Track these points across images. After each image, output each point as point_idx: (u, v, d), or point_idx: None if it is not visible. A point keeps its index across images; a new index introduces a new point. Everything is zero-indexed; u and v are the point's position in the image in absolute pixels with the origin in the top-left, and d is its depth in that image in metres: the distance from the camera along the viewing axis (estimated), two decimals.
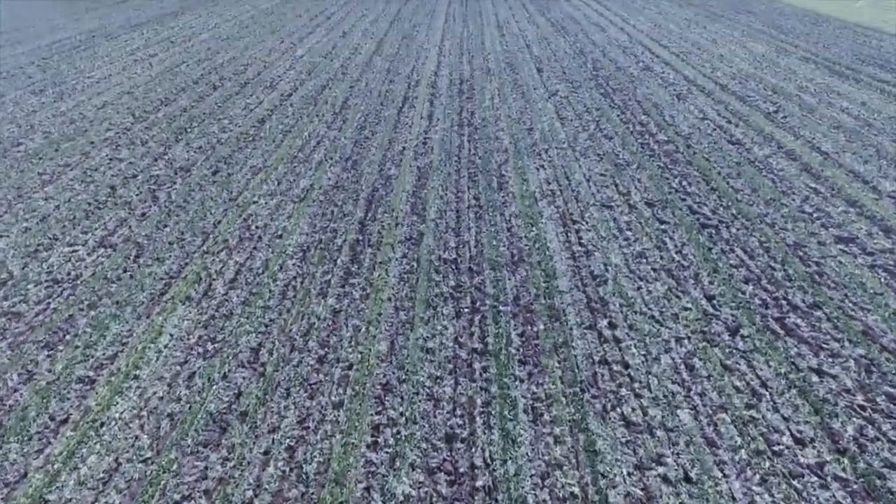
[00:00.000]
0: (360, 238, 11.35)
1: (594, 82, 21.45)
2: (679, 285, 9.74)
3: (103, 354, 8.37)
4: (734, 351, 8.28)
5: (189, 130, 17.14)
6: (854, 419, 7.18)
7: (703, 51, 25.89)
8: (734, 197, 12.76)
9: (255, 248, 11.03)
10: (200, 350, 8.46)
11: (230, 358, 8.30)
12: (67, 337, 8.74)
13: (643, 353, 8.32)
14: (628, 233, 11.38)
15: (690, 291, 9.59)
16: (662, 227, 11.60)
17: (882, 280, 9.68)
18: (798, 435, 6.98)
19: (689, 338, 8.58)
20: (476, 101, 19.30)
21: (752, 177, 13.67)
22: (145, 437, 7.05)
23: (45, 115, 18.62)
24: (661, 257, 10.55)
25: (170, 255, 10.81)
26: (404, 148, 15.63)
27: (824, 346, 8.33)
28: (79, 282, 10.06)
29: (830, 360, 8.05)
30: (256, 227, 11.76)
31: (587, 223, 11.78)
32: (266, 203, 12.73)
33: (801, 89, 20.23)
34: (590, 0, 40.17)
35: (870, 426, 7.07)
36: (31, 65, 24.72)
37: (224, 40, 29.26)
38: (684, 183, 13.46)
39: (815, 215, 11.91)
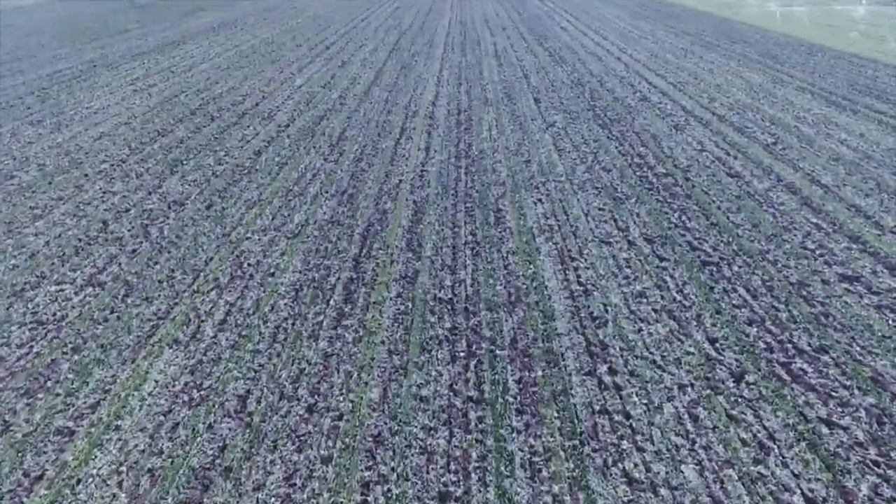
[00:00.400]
0: (354, 276, 11.11)
1: (592, 113, 21.48)
2: (681, 327, 9.46)
3: (84, 403, 8.06)
4: (739, 399, 7.97)
5: (184, 162, 17.04)
6: (868, 476, 6.84)
7: (700, 80, 26.03)
8: (735, 232, 12.56)
9: (246, 286, 10.78)
10: (186, 398, 8.15)
11: (216, 407, 7.98)
12: (49, 383, 8.43)
13: (645, 401, 8.01)
14: (627, 271, 11.15)
15: (693, 334, 9.31)
16: (662, 264, 11.37)
17: (890, 322, 9.41)
18: (809, 494, 6.64)
19: (692, 385, 8.28)
20: (474, 133, 19.27)
21: (753, 211, 13.50)
22: (123, 495, 6.70)
23: (41, 146, 18.56)
24: (662, 297, 10.29)
25: (159, 295, 10.56)
26: (401, 181, 15.50)
27: (833, 394, 8.02)
28: (64, 323, 9.78)
29: (840, 409, 7.74)
30: (249, 265, 11.53)
31: (586, 260, 11.55)
32: (259, 239, 12.52)
33: (799, 120, 20.24)
34: (587, 30, 40.68)
35: (885, 484, 6.73)
36: (30, 95, 24.82)
37: (224, 70, 29.48)
38: (684, 218, 13.28)
39: (817, 252, 11.70)
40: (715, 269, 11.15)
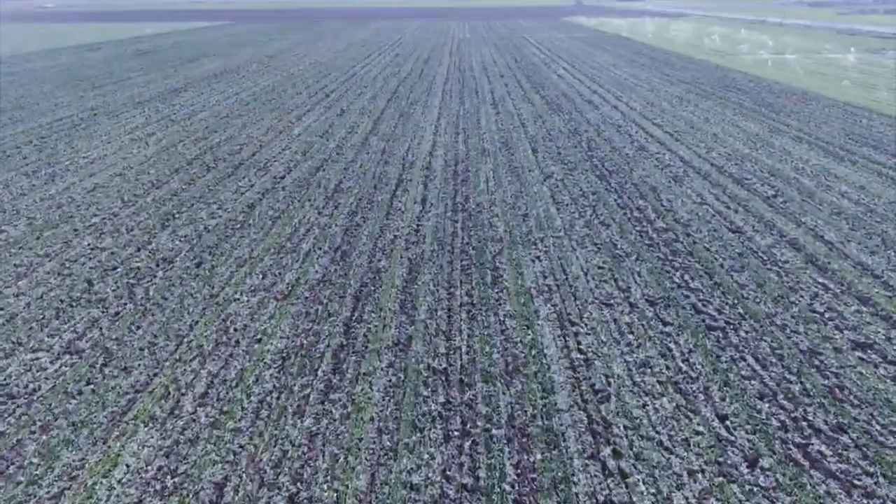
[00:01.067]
0: (345, 342, 10.63)
1: (589, 163, 21.42)
2: (688, 402, 8.94)
3: (48, 493, 7.46)
4: (755, 489, 7.38)
5: (177, 216, 16.78)
6: None
7: (697, 130, 26.15)
8: (740, 293, 12.16)
9: (231, 354, 10.29)
10: (158, 486, 7.56)
11: (190, 497, 7.39)
12: (11, 469, 7.84)
13: (653, 490, 7.43)
14: (630, 336, 10.68)
15: (701, 410, 8.78)
16: (666, 329, 10.91)
17: None
18: None
19: (702, 470, 7.70)
20: (471, 184, 19.12)
21: (757, 270, 13.13)
22: None
23: (33, 198, 18.35)
24: (667, 367, 9.80)
25: (139, 364, 10.05)
26: (396, 237, 15.19)
27: (856, 482, 7.44)
28: (35, 397, 9.25)
29: (865, 502, 7.16)
30: (235, 330, 11.06)
31: (586, 325, 11.10)
32: (248, 301, 12.09)
33: (798, 171, 20.14)
34: (584, 78, 41.36)
35: None
36: (28, 144, 24.84)
37: (223, 118, 29.68)
38: (686, 277, 12.90)
39: (827, 316, 11.26)
40: (721, 334, 10.68)
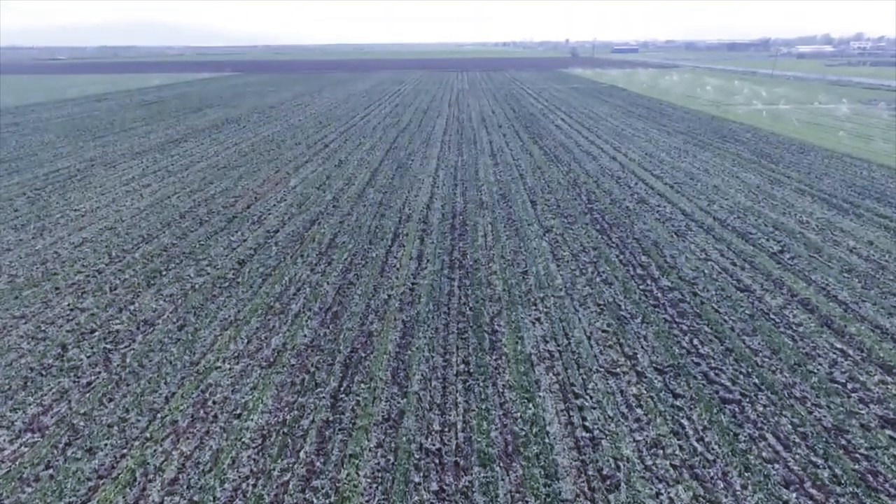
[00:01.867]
0: (332, 418, 9.83)
1: (589, 216, 21.01)
2: (706, 492, 8.09)
3: None
4: None
5: (164, 273, 16.20)
6: None
7: (697, 181, 25.92)
8: (753, 361, 11.42)
9: (207, 432, 9.48)
10: None
11: None
12: None
13: None
14: (639, 411, 9.89)
15: (721, 501, 7.93)
16: (678, 402, 10.13)
17: None
18: None
19: None
20: (468, 239, 18.63)
21: (770, 334, 12.43)
22: None
23: (18, 253, 17.81)
24: (681, 448, 8.97)
25: (106, 444, 9.23)
26: (390, 296, 14.55)
27: None
28: None
29: None
30: (214, 403, 10.28)
31: (591, 397, 10.32)
32: (230, 369, 11.34)
33: (803, 225, 19.70)
34: (581, 128, 41.68)
35: None
36: (21, 196, 24.54)
37: (220, 169, 29.55)
38: (696, 342, 12.18)
39: (849, 386, 10.50)
40: (737, 408, 9.89)
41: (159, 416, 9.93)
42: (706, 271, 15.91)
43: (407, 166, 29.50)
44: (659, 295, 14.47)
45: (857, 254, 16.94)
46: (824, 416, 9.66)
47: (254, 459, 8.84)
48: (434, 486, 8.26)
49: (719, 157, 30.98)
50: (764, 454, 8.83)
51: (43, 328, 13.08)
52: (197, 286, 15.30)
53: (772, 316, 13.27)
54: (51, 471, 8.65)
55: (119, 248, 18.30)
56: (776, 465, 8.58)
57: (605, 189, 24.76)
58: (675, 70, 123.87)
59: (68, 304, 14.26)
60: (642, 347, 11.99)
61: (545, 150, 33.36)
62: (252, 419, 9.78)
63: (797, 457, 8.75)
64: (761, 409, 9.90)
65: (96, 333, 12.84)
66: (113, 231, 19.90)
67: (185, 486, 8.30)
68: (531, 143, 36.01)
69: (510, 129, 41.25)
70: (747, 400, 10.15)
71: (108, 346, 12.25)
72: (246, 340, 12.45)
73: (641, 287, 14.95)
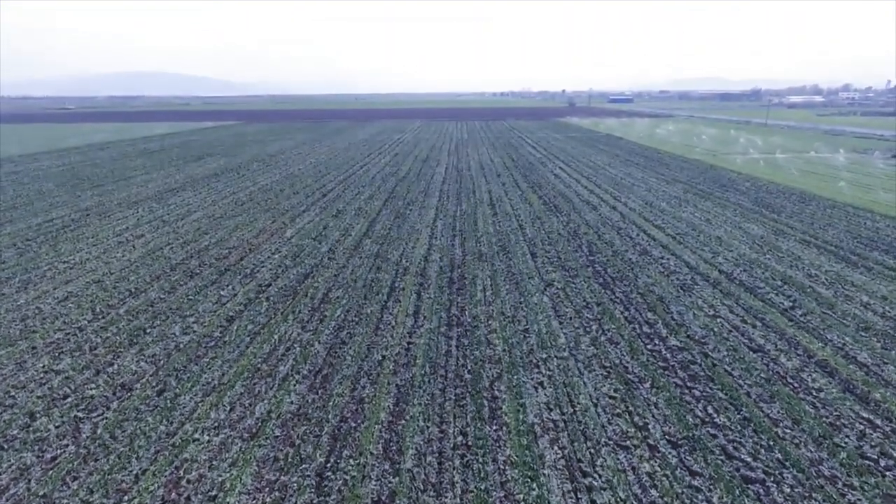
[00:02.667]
0: (316, 500, 8.93)
1: (591, 269, 20.43)
2: None
3: None
4: None
5: (148, 331, 15.46)
6: None
7: (700, 232, 25.48)
8: (774, 432, 10.57)
9: None
10: None
11: None
12: None
13: None
14: (654, 493, 8.99)
15: None
16: (695, 481, 9.24)
17: None
18: None
19: None
20: (467, 294, 17.98)
21: (790, 401, 11.62)
22: None
23: None
24: None
25: None
26: (384, 357, 13.78)
27: None
28: None
29: None
30: (188, 482, 9.38)
31: (600, 476, 9.43)
32: (209, 441, 10.48)
33: (812, 279, 19.10)
34: (580, 177, 41.71)
35: None
36: (11, 247, 24.02)
37: (216, 219, 29.18)
38: (710, 409, 11.36)
39: (882, 464, 9.63)
40: (762, 489, 8.99)
41: (125, 498, 9.02)
42: (716, 329, 15.19)
43: (405, 216, 29.17)
44: (668, 356, 13.71)
45: (872, 310, 16.26)
46: (859, 501, 8.77)
47: None
48: None
49: (720, 206, 30.70)
50: None
51: (12, 393, 12.26)
52: (181, 346, 14.54)
53: (789, 380, 12.48)
54: None
55: (104, 303, 17.62)
56: None
57: (606, 240, 24.30)
58: (670, 119, 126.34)
59: (43, 366, 13.47)
60: (653, 416, 11.16)
61: (544, 200, 33.14)
62: (229, 502, 8.87)
63: None
64: (788, 490, 9.02)
65: (69, 399, 12.01)
66: (100, 285, 19.27)
67: None
68: (530, 192, 35.88)
69: (509, 179, 41.27)
70: (772, 479, 9.27)
71: (80, 415, 11.41)
72: (228, 408, 11.62)
73: (649, 347, 14.20)
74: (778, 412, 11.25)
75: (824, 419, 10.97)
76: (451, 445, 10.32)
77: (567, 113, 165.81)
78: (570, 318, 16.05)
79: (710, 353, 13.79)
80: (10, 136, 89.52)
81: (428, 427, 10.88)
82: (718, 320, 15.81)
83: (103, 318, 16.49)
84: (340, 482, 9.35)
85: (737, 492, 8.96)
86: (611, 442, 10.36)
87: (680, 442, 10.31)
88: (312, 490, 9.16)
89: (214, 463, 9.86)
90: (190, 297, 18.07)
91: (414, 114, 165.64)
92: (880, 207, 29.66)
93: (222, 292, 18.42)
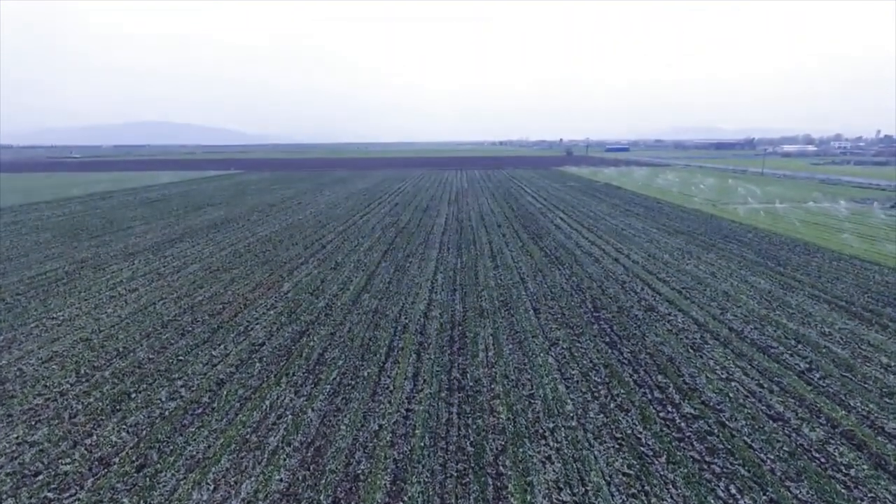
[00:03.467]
0: None
1: (597, 326, 19.77)
2: None
3: None
4: None
5: (132, 396, 14.68)
6: None
7: (706, 286, 24.93)
8: None
9: None
10: None
11: None
12: None
13: None
14: None
15: None
16: None
17: None
18: None
19: None
20: (468, 353, 17.27)
21: (818, 479, 10.77)
22: None
23: None
24: None
25: None
26: (381, 427, 12.96)
27: None
28: None
29: None
30: None
31: None
32: None
33: (826, 337, 18.43)
34: (581, 228, 41.53)
35: None
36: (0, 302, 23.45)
37: (212, 272, 28.67)
38: (733, 489, 10.50)
39: None
40: None
41: None
42: (731, 395, 14.41)
43: (405, 269, 28.69)
44: (683, 425, 12.90)
45: (894, 373, 15.53)
46: None
47: None
48: None
49: (724, 259, 30.28)
50: None
51: None
52: (167, 413, 13.73)
53: (815, 454, 11.65)
54: None
55: (90, 364, 16.87)
56: None
57: (610, 295, 23.72)
58: (667, 168, 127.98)
59: (17, 437, 12.63)
60: (672, 497, 10.30)
61: (546, 252, 32.76)
62: None
63: None
64: None
65: (40, 477, 11.14)
66: (87, 343, 18.56)
67: None
68: (531, 243, 35.55)
69: (509, 229, 41.07)
70: None
71: (51, 495, 10.54)
72: (212, 486, 10.75)
73: (662, 415, 13.40)
74: (807, 493, 10.39)
75: (859, 503, 10.11)
76: None
77: (565, 162, 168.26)
78: (577, 382, 15.28)
79: (727, 423, 12.99)
80: (13, 185, 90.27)
81: None
82: (733, 384, 15.04)
83: (87, 381, 15.72)
84: None
85: None
86: None
87: None
88: None
89: None
90: (180, 357, 17.33)
91: (416, 163, 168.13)
92: (888, 260, 29.22)
93: (214, 352, 17.69)
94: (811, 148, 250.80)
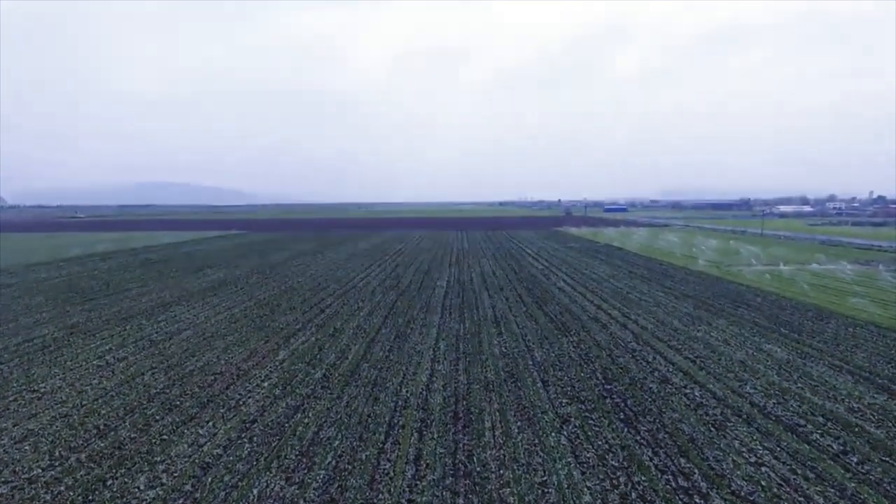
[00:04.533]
0: None
1: (610, 401, 18.59)
2: None
3: None
4: None
5: (108, 484, 13.39)
6: None
7: (720, 355, 23.81)
8: None
9: None
10: None
11: None
12: None
13: None
14: None
15: None
16: None
17: None
18: None
19: None
20: (474, 433, 16.05)
21: None
22: None
23: None
24: None
25: None
26: None
27: None
28: None
29: None
30: None
31: None
32: None
33: (856, 414, 17.23)
34: (585, 291, 40.70)
35: None
36: None
37: (206, 339, 27.57)
38: None
39: None
40: None
41: None
42: (763, 483, 13.15)
43: (406, 335, 27.66)
44: None
45: None
46: None
47: None
48: None
49: (736, 325, 29.28)
50: None
51: None
52: None
53: None
54: None
55: (66, 444, 15.63)
56: None
57: (621, 365, 22.61)
58: (667, 228, 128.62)
59: None
60: None
61: (551, 317, 31.79)
62: None
63: None
64: None
65: None
66: (66, 420, 17.35)
67: None
68: (535, 308, 34.64)
69: (512, 293, 40.25)
70: None
71: None
72: None
73: None
74: None
75: None
76: None
77: (564, 222, 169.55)
78: (593, 467, 14.03)
79: None
80: (14, 245, 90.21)
81: None
82: (763, 470, 13.80)
83: (60, 464, 14.45)
84: None
85: None
86: None
87: None
88: None
89: None
90: (164, 436, 16.11)
91: (417, 223, 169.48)
92: None
93: (201, 430, 16.47)
94: (807, 208, 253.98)
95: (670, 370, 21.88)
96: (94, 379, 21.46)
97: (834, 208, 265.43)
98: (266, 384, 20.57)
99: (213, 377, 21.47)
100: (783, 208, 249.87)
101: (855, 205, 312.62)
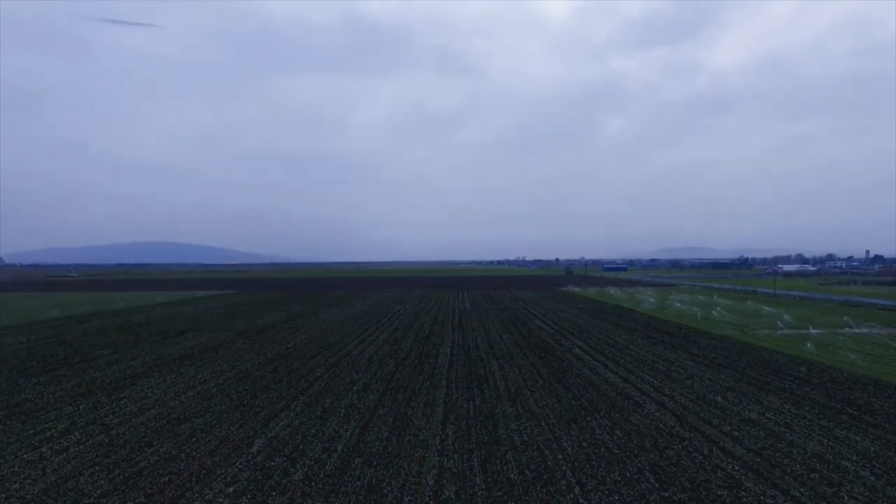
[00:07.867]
0: None
1: None
2: None
3: None
4: None
5: None
6: None
7: (790, 445, 19.48)
8: None
9: None
10: None
11: None
12: None
13: None
14: None
15: None
16: None
17: None
18: None
19: None
20: None
21: None
22: None
23: None
24: None
25: None
26: None
27: None
28: None
29: None
30: None
31: None
32: None
33: None
34: (605, 359, 36.45)
35: None
36: None
37: (170, 422, 23.14)
38: None
39: None
40: None
41: None
42: None
43: (406, 418, 23.35)
44: None
45: None
46: None
47: None
48: None
49: (792, 403, 25.07)
50: None
51: None
52: None
53: None
54: None
55: None
56: None
57: (672, 460, 18.36)
58: (673, 288, 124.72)
59: None
60: None
61: (573, 392, 27.55)
62: None
63: None
64: None
65: None
66: None
67: None
68: (553, 380, 30.41)
69: (524, 361, 36.03)
70: None
71: None
72: None
73: None
74: None
75: None
76: None
77: (566, 282, 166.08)
78: None
79: None
80: None
81: None
82: None
83: None
84: None
85: None
86: None
87: None
88: None
89: None
90: None
91: (413, 283, 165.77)
92: None
93: None
94: (810, 268, 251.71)
95: (736, 469, 17.61)
96: (15, 481, 17.06)
97: (835, 267, 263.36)
98: (231, 490, 16.20)
99: (166, 479, 17.09)
100: (787, 268, 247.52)
101: (854, 263, 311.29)
